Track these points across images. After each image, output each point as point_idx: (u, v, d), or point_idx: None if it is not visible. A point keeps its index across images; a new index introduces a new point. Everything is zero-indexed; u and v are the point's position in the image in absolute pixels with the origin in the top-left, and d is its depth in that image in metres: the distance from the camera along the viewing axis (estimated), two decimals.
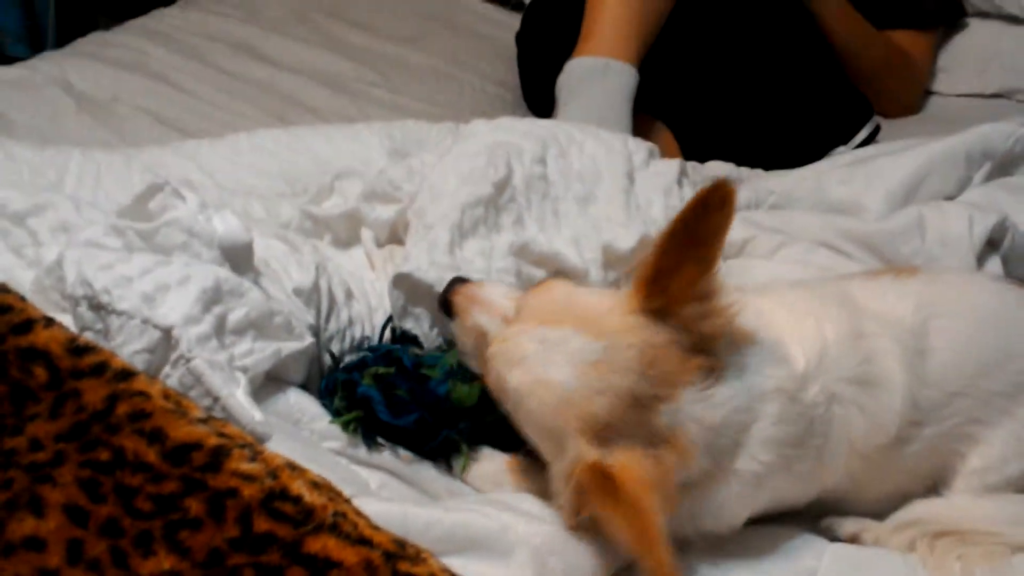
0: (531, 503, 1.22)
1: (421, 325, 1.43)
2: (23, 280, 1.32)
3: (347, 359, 1.38)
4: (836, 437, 1.20)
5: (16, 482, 0.89)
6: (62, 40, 2.95)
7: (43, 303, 1.22)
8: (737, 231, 1.65)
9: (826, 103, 2.35)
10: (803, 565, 1.21)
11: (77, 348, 1.02)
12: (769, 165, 2.11)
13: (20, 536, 0.85)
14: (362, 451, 1.28)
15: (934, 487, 1.34)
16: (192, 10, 2.78)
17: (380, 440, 1.29)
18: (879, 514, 1.30)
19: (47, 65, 2.39)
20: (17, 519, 0.86)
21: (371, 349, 1.37)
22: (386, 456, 1.29)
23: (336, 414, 1.28)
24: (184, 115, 2.29)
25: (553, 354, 1.10)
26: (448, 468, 1.31)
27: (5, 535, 0.85)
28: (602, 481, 1.04)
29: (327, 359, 1.37)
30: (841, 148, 2.30)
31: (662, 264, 1.10)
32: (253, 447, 0.97)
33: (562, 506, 1.12)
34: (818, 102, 2.34)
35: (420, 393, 1.28)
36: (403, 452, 1.30)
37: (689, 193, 1.73)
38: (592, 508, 1.07)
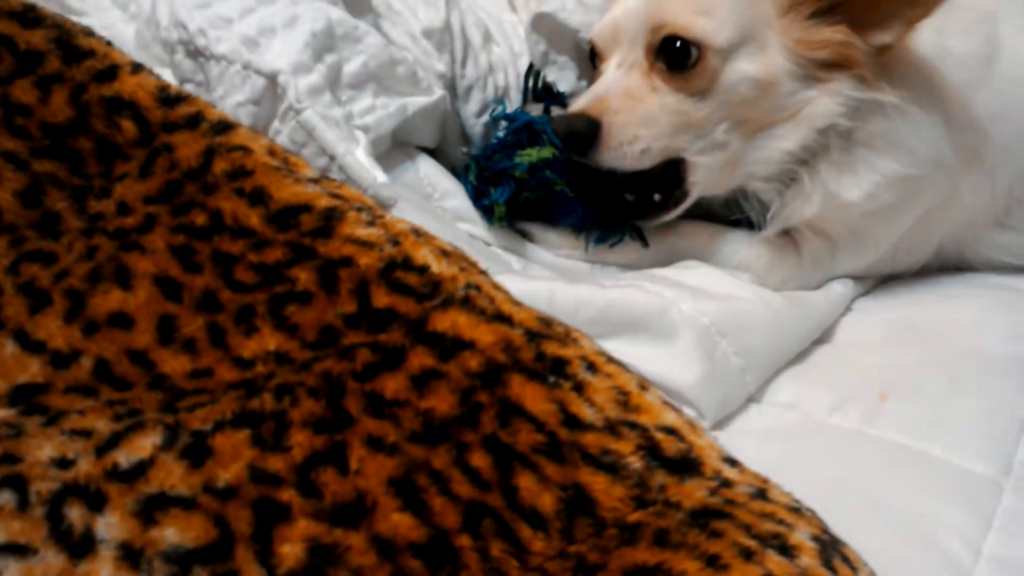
0: (698, 275, 1.05)
1: (566, 76, 1.24)
2: (127, 36, 1.18)
3: (482, 120, 1.21)
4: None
5: (100, 250, 0.77)
6: None
7: (147, 61, 1.08)
8: None
9: None
10: None
11: (168, 98, 0.87)
12: None
13: (105, 312, 0.74)
14: (503, 239, 1.13)
15: None
16: None
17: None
18: None
19: None
20: (101, 292, 0.75)
21: (507, 118, 1.18)
22: (529, 247, 1.15)
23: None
24: None
25: None
26: None
27: (88, 311, 0.74)
28: None
29: (466, 113, 1.20)
30: None
31: None
32: (372, 211, 0.82)
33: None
34: None
35: (580, 184, 1.11)
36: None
37: None
38: None
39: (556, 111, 1.20)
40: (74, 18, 1.22)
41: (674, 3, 1.04)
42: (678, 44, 1.03)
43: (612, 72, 1.08)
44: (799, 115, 1.05)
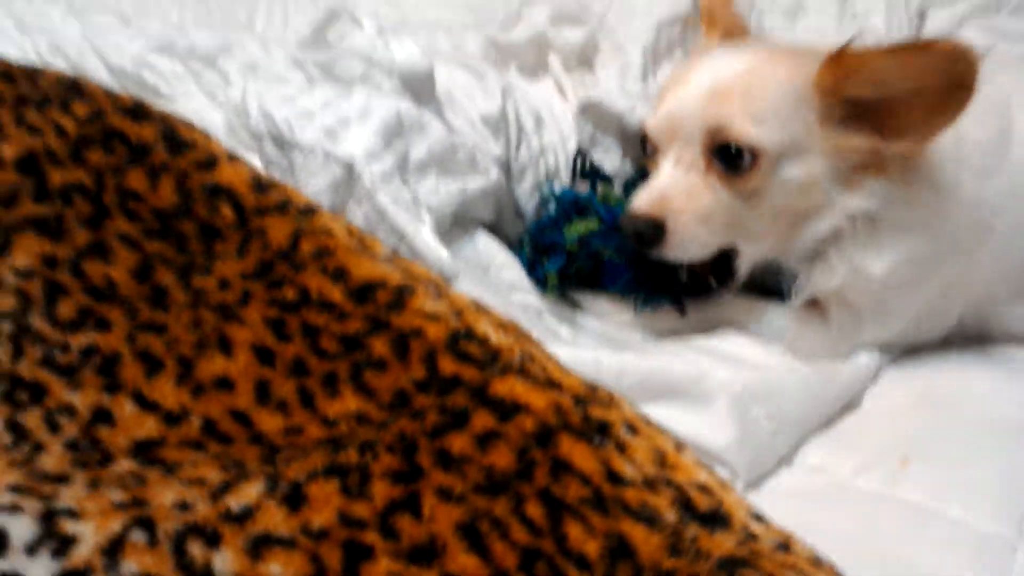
0: (733, 345, 1.14)
1: (611, 156, 1.34)
2: (216, 122, 1.30)
3: (535, 197, 1.31)
4: None
5: (205, 322, 0.89)
6: None
7: (235, 145, 1.20)
8: (973, 38, 1.44)
9: None
10: None
11: (260, 185, 0.99)
12: None
13: (210, 376, 0.85)
14: (555, 308, 1.23)
15: None
16: None
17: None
18: None
19: None
20: (207, 358, 0.86)
21: (556, 198, 1.29)
22: (579, 315, 1.24)
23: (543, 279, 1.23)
24: None
25: None
26: None
27: (196, 375, 0.85)
28: None
29: (520, 192, 1.31)
30: None
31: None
32: (438, 286, 0.92)
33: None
34: None
35: (629, 251, 1.20)
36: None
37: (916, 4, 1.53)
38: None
39: (602, 188, 1.31)
40: (163, 103, 1.35)
41: (730, 108, 1.12)
42: (733, 149, 1.11)
43: (670, 169, 1.16)
44: (833, 207, 1.14)
